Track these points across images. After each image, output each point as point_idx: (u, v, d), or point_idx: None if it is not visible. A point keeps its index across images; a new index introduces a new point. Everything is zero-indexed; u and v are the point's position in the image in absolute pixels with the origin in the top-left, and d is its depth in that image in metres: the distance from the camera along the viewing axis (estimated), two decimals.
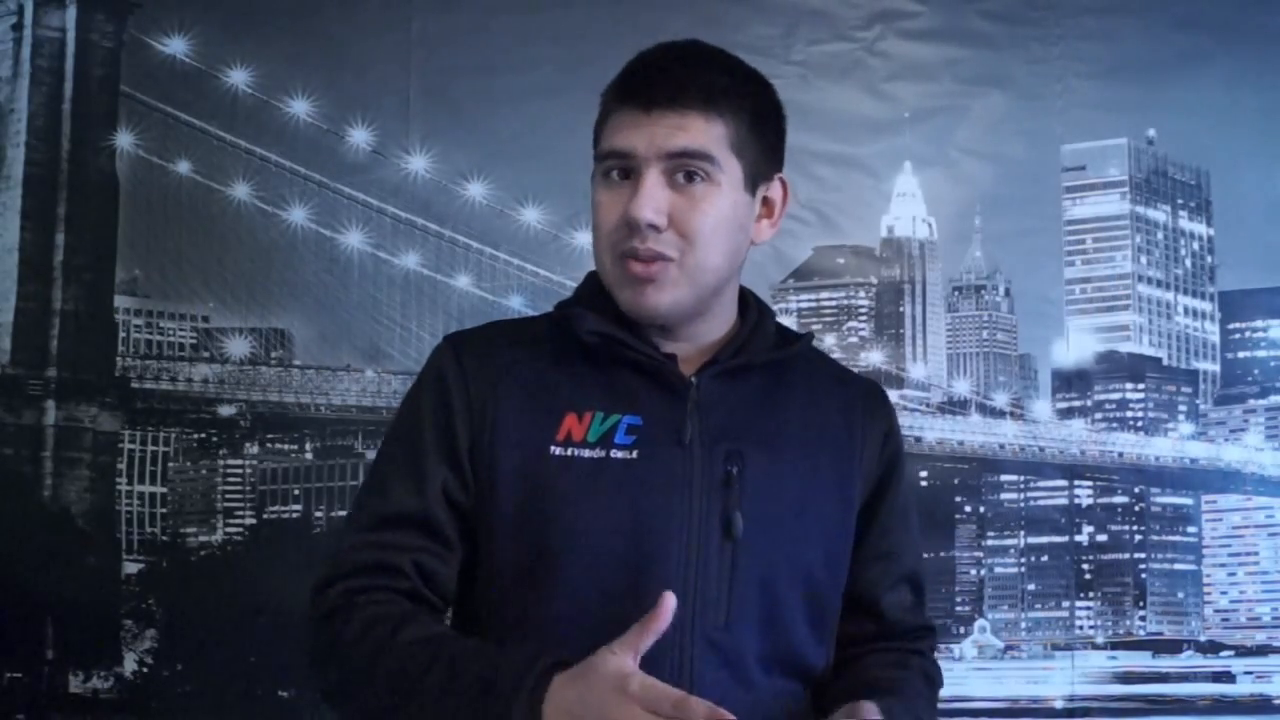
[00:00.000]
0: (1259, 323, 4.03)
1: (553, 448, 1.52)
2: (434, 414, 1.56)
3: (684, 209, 1.52)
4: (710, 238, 1.53)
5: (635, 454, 1.52)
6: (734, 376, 1.58)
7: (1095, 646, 3.96)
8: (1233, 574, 4.00)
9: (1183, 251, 4.14)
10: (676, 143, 1.51)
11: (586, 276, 1.62)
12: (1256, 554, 3.99)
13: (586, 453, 1.52)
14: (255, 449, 4.26)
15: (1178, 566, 4.00)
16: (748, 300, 1.66)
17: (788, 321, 1.80)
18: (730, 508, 1.52)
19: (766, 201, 1.61)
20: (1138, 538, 3.99)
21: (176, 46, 4.19)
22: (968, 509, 4.08)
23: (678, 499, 1.52)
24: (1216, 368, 4.08)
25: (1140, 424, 4.05)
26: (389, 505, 1.55)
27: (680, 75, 1.53)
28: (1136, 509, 4.02)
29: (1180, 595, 3.99)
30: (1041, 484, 4.06)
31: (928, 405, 4.09)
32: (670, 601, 1.34)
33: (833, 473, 1.60)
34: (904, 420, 1.73)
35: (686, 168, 1.51)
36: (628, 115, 1.52)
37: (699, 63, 1.55)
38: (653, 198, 1.51)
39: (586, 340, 1.55)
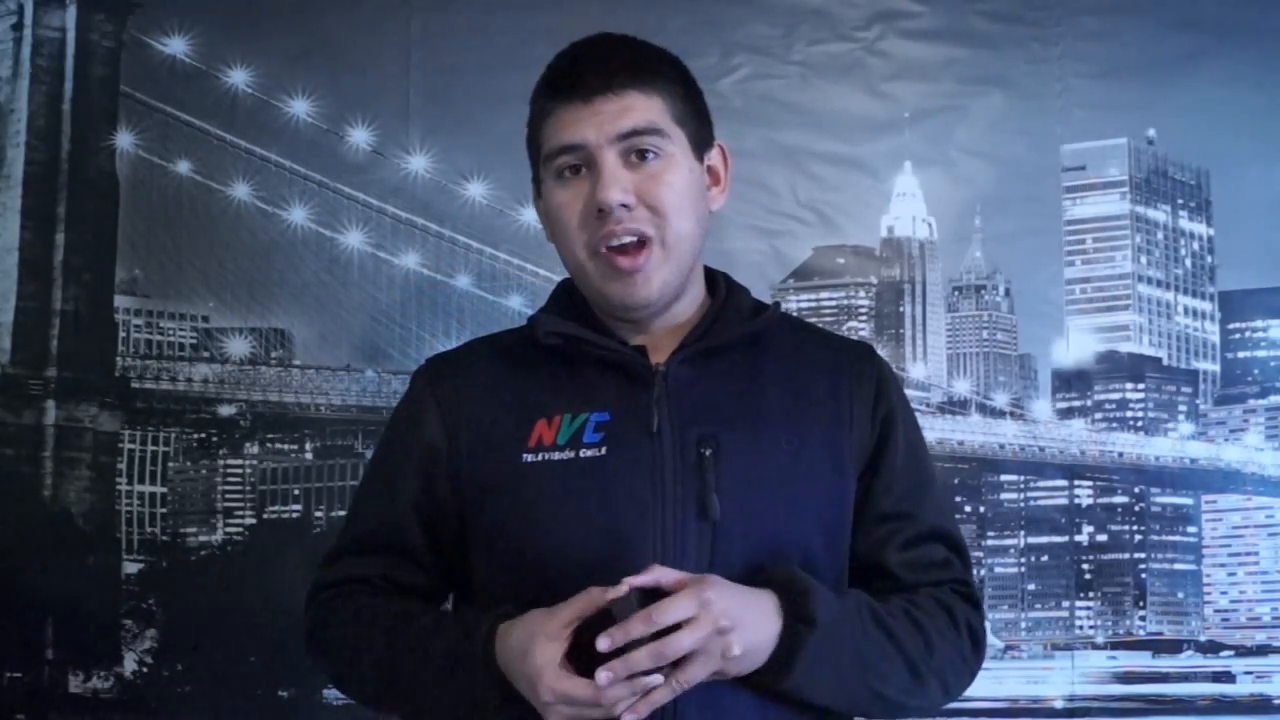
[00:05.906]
0: (1259, 323, 4.03)
1: (525, 455, 1.54)
2: (408, 436, 1.62)
3: (647, 185, 1.54)
4: (679, 206, 1.55)
5: (604, 450, 1.53)
6: (706, 358, 1.58)
7: (1095, 646, 3.96)
8: (1233, 574, 4.00)
9: (1183, 251, 4.14)
10: (626, 123, 1.53)
11: (556, 285, 1.66)
12: (1256, 554, 3.99)
13: (557, 455, 1.53)
14: (255, 449, 4.26)
15: (1178, 566, 4.00)
16: (716, 279, 1.66)
17: None
18: (705, 490, 1.51)
19: (711, 170, 1.63)
20: (1138, 538, 3.99)
21: (176, 46, 4.19)
22: (968, 509, 4.07)
23: (648, 488, 1.52)
24: (1216, 368, 4.08)
25: (1140, 424, 4.05)
26: (360, 528, 1.65)
27: (608, 61, 1.55)
28: (1136, 509, 4.01)
29: (1180, 595, 3.99)
30: (1041, 484, 4.06)
31: (928, 405, 4.09)
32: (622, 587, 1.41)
33: (823, 442, 1.58)
34: None
35: (639, 145, 1.53)
36: (568, 111, 1.54)
37: (620, 48, 1.58)
38: (616, 179, 1.52)
39: (547, 343, 1.57)
